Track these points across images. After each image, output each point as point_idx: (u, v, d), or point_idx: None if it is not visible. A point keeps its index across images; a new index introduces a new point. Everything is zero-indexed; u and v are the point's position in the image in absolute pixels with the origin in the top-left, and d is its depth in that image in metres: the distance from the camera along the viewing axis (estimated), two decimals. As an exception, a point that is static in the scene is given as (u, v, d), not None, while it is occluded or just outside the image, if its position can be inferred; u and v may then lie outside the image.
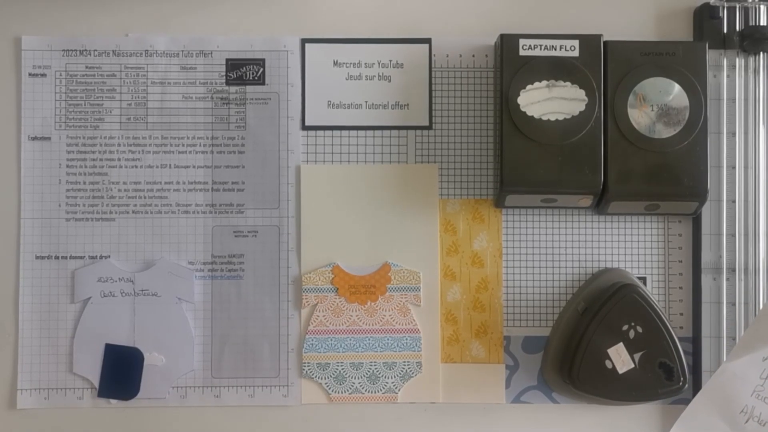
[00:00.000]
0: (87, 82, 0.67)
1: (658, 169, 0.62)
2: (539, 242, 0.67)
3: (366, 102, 0.67)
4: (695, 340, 0.66)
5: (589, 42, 0.63)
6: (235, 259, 0.67)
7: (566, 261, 0.67)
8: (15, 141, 0.67)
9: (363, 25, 0.68)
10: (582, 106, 0.62)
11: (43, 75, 0.67)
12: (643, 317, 0.61)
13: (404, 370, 0.66)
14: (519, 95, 0.62)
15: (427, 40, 0.68)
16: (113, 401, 0.66)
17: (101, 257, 0.66)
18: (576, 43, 0.63)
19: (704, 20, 0.66)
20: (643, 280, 0.67)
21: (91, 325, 0.66)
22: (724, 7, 0.66)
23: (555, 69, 0.63)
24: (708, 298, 0.66)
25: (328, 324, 0.66)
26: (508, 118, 0.62)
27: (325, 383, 0.66)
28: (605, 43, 0.64)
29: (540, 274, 0.67)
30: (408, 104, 0.67)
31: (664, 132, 0.63)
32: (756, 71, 0.66)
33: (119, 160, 0.67)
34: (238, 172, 0.67)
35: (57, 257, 0.66)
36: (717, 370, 0.60)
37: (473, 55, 0.68)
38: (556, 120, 0.62)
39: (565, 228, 0.67)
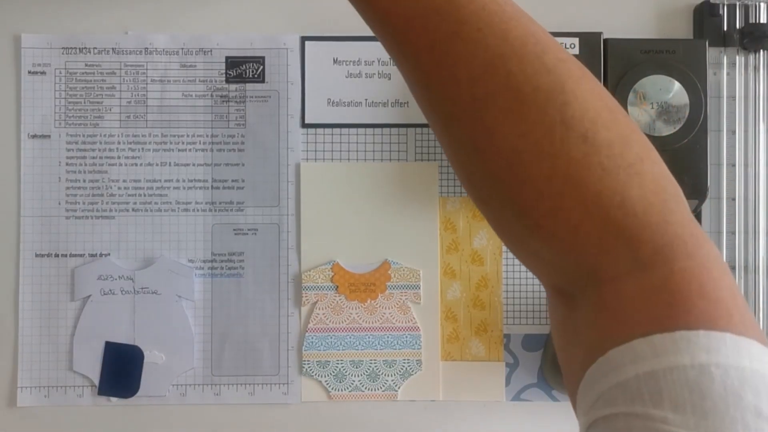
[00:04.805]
0: (87, 80, 0.67)
1: (658, 166, 0.62)
2: (539, 240, 0.67)
3: (366, 100, 0.67)
4: (695, 338, 0.66)
5: (588, 39, 0.63)
6: (235, 257, 0.67)
7: (566, 259, 0.67)
8: (15, 139, 0.67)
9: (363, 22, 0.68)
10: (582, 104, 0.62)
11: (43, 73, 0.67)
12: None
13: (404, 368, 0.66)
14: (519, 93, 0.62)
15: (427, 38, 0.68)
16: (113, 399, 0.66)
17: (101, 255, 0.66)
18: (576, 40, 0.63)
19: (704, 18, 0.66)
20: (643, 277, 0.67)
21: (91, 323, 0.66)
22: (724, 5, 0.66)
23: (555, 67, 0.62)
24: (708, 295, 0.66)
25: (328, 322, 0.66)
26: (508, 115, 0.62)
27: (325, 381, 0.66)
28: (605, 40, 0.63)
29: (540, 271, 0.67)
30: (408, 102, 0.67)
31: (664, 130, 0.63)
32: (756, 69, 0.66)
33: (119, 158, 0.67)
34: (238, 170, 0.67)
35: (57, 255, 0.66)
36: None
37: (473, 53, 0.67)
38: (556, 118, 0.62)
39: (565, 226, 0.67)
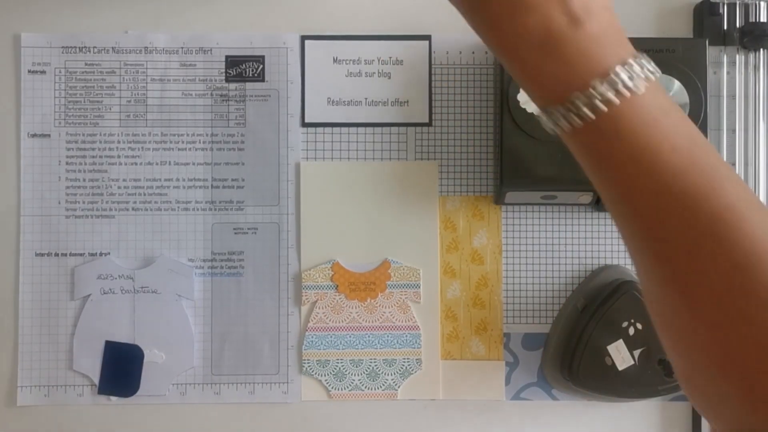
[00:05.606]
0: (86, 79, 0.67)
1: (658, 165, 0.62)
2: (539, 239, 0.67)
3: (366, 99, 0.67)
4: (695, 337, 0.66)
5: (589, 39, 0.63)
6: (234, 256, 0.67)
7: (566, 258, 0.67)
8: (15, 138, 0.67)
9: (363, 21, 0.68)
10: (582, 103, 0.62)
11: (43, 72, 0.67)
12: (643, 314, 0.61)
13: (404, 367, 0.66)
14: (519, 92, 0.62)
15: (427, 37, 0.68)
16: (113, 398, 0.66)
17: (101, 254, 0.66)
18: (576, 39, 0.63)
19: (704, 17, 0.66)
20: (643, 277, 0.67)
21: (91, 323, 0.66)
22: (724, 4, 0.66)
23: (555, 66, 0.62)
24: (708, 294, 0.66)
25: (327, 321, 0.66)
26: (507, 114, 0.62)
27: (325, 380, 0.66)
28: (605, 39, 0.63)
29: (540, 270, 0.67)
30: (408, 101, 0.67)
31: (664, 129, 0.63)
32: (756, 68, 0.66)
33: (119, 157, 0.67)
34: (238, 169, 0.67)
35: (57, 254, 0.66)
36: None
37: (473, 52, 0.68)
38: (556, 117, 0.62)
39: (565, 225, 0.67)
